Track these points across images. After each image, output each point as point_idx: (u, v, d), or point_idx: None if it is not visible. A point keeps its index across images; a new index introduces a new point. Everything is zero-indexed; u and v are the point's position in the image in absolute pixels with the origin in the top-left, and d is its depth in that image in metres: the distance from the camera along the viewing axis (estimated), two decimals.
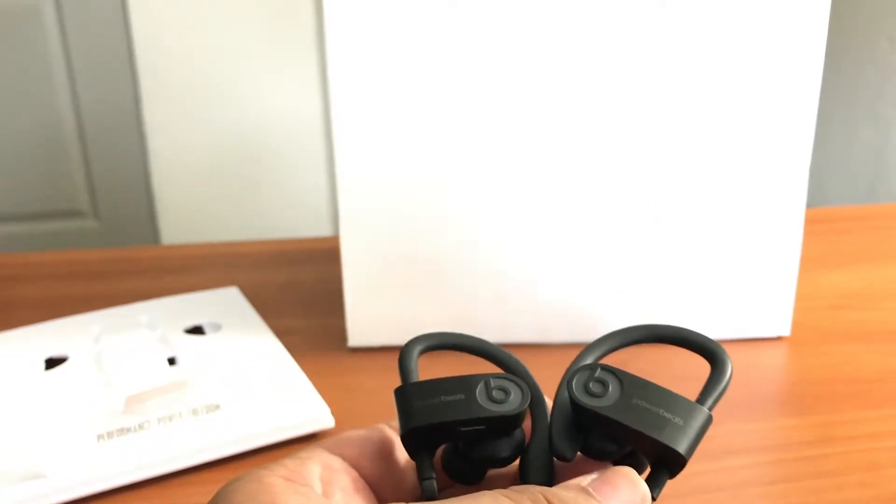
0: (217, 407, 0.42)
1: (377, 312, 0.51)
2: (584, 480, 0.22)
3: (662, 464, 0.23)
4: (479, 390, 0.24)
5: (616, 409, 0.23)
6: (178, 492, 0.39)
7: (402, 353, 0.26)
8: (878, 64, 1.73)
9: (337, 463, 0.24)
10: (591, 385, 0.23)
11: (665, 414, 0.22)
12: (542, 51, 0.46)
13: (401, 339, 0.51)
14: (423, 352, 0.27)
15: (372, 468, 0.25)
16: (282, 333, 0.51)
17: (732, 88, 0.47)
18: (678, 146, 0.48)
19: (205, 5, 1.67)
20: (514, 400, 0.24)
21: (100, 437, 0.40)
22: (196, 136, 1.74)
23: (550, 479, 0.24)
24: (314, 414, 0.43)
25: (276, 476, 0.22)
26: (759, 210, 0.49)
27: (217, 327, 0.52)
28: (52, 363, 0.48)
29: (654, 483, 0.23)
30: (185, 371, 0.46)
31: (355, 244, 0.49)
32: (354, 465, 0.25)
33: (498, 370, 0.27)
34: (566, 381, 0.24)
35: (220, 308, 0.55)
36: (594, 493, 0.21)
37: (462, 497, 0.20)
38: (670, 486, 0.38)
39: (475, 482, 0.26)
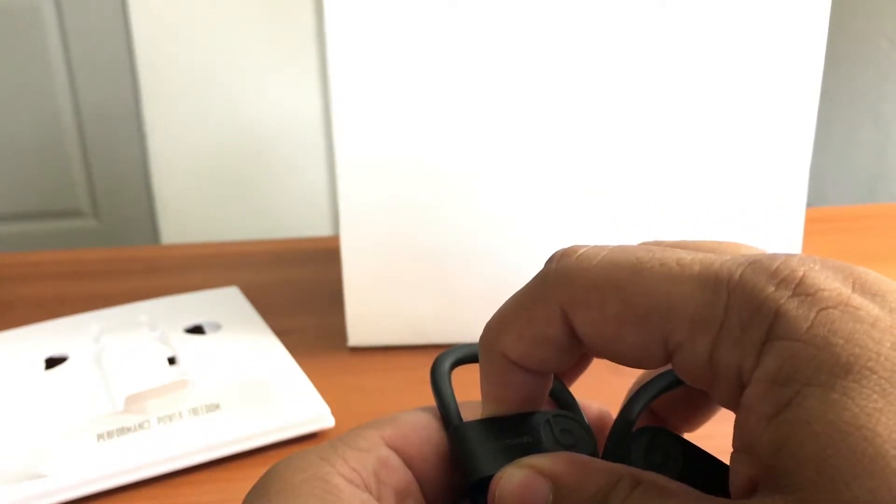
0: (217, 407, 0.42)
1: (377, 312, 0.51)
2: None
3: None
4: (545, 432, 0.22)
5: None
6: (178, 492, 0.39)
7: (435, 373, 0.24)
8: (878, 64, 1.73)
9: (394, 460, 0.23)
10: (650, 454, 0.22)
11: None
12: (543, 51, 0.46)
13: (401, 339, 0.51)
14: (455, 366, 0.25)
15: (427, 471, 0.23)
16: (282, 333, 0.51)
17: (732, 89, 0.47)
18: (678, 146, 0.48)
19: (205, 5, 1.67)
20: (582, 442, 0.22)
21: (100, 437, 0.40)
22: (196, 136, 1.74)
23: None
24: (314, 414, 0.43)
25: (339, 475, 0.21)
26: (760, 210, 0.49)
27: (217, 327, 0.52)
28: (52, 363, 0.48)
29: None
30: (185, 371, 0.46)
31: (355, 244, 0.49)
32: (409, 463, 0.23)
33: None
34: (624, 440, 0.22)
35: (220, 308, 0.55)
36: None
37: None
38: None
39: None
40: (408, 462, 0.23)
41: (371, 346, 0.52)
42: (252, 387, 0.44)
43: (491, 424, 0.22)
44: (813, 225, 0.57)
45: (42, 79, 1.67)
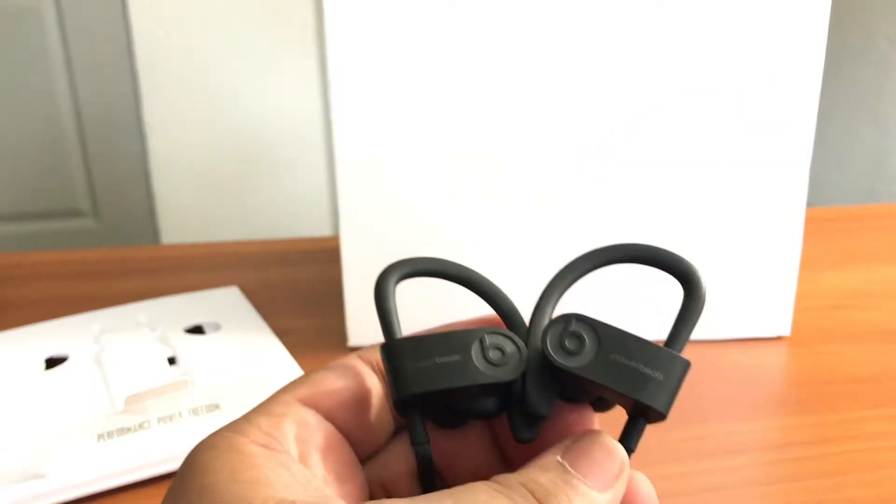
0: (217, 407, 0.42)
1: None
2: (559, 452, 0.21)
3: (641, 414, 0.22)
4: (475, 350, 0.22)
5: (594, 368, 0.21)
6: None
7: (379, 287, 0.24)
8: (877, 64, 1.73)
9: (312, 418, 0.22)
10: (566, 341, 0.22)
11: (645, 370, 0.21)
12: (543, 52, 0.46)
13: None
14: (399, 281, 0.24)
15: (349, 419, 0.23)
16: (282, 333, 0.51)
17: (732, 89, 0.47)
18: (678, 146, 0.48)
19: (205, 5, 1.67)
20: (512, 361, 0.22)
21: (100, 437, 0.40)
22: (196, 135, 1.74)
23: (536, 432, 0.23)
24: None
25: (253, 443, 0.21)
26: (760, 210, 0.49)
27: (217, 327, 0.52)
28: (52, 363, 0.48)
29: (632, 433, 0.22)
30: (185, 371, 0.46)
31: (355, 244, 0.49)
32: (329, 417, 0.23)
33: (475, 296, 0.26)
34: (541, 336, 0.22)
35: (220, 308, 0.55)
36: (572, 469, 0.21)
37: (454, 490, 0.20)
38: (670, 485, 0.38)
39: (456, 427, 0.25)
40: (329, 417, 0.23)
41: (371, 345, 0.52)
42: (252, 387, 0.44)
43: (423, 342, 0.23)
44: (813, 225, 0.57)
45: (42, 79, 1.67)
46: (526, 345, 0.23)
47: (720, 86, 0.47)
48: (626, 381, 0.21)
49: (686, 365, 0.22)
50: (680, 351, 0.23)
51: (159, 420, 0.41)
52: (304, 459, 0.22)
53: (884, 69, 1.72)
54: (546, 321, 0.23)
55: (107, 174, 1.75)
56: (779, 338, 0.52)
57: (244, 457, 0.20)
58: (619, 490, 0.21)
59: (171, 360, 0.48)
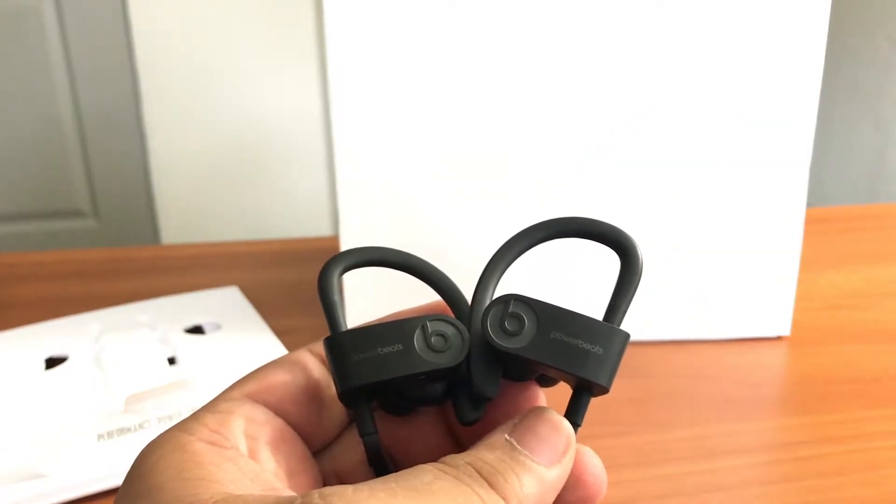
0: None
1: (377, 312, 0.51)
2: (506, 430, 0.21)
3: (585, 388, 0.22)
4: (418, 338, 0.22)
5: (534, 347, 0.22)
6: None
7: (322, 280, 0.24)
8: (878, 64, 1.73)
9: (260, 414, 0.23)
10: (506, 323, 0.22)
11: (584, 345, 0.22)
12: (542, 52, 0.46)
13: None
14: (343, 272, 0.25)
15: (298, 413, 0.23)
16: (282, 333, 0.51)
17: (732, 89, 0.47)
18: (678, 146, 0.48)
19: (205, 5, 1.67)
20: (454, 347, 0.22)
21: (100, 437, 0.40)
22: (196, 136, 1.74)
23: (481, 414, 0.23)
24: None
25: (199, 441, 0.21)
26: (760, 210, 0.49)
27: (217, 327, 0.52)
28: (52, 363, 0.48)
29: (577, 407, 0.22)
30: (185, 371, 0.46)
31: (355, 244, 0.49)
32: (279, 412, 0.23)
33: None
34: (481, 319, 0.22)
35: (220, 308, 0.55)
36: (518, 446, 0.21)
37: (401, 473, 0.20)
38: (670, 485, 0.38)
39: (406, 414, 0.25)
40: (278, 411, 0.23)
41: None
42: None
43: (365, 333, 0.23)
44: (813, 225, 0.57)
45: (42, 79, 1.67)
46: (470, 328, 0.23)
47: (720, 86, 0.47)
48: (566, 359, 0.21)
49: (625, 337, 0.22)
50: (619, 323, 0.23)
51: (159, 420, 0.41)
52: (253, 454, 0.22)
53: (884, 69, 1.72)
54: (487, 303, 0.23)
55: (107, 174, 1.75)
56: (779, 338, 0.52)
57: (190, 455, 0.20)
58: (566, 465, 0.21)
59: (171, 360, 0.48)
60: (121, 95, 1.71)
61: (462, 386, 0.23)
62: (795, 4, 0.45)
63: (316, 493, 0.18)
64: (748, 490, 0.38)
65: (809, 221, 0.51)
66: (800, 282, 0.51)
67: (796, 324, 0.52)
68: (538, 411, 0.22)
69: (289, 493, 0.20)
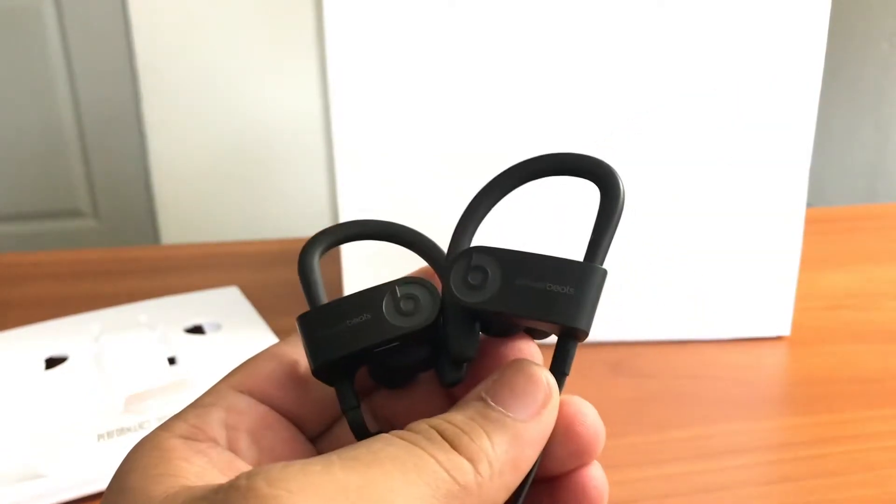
0: None
1: None
2: (483, 387, 0.20)
3: (567, 335, 0.21)
4: (386, 304, 0.21)
5: (501, 299, 0.20)
6: None
7: (302, 261, 0.23)
8: (878, 64, 1.73)
9: (243, 402, 0.22)
10: (469, 277, 0.21)
11: (553, 287, 0.20)
12: (542, 52, 0.46)
13: None
14: (325, 251, 0.24)
15: (285, 398, 0.23)
16: (282, 333, 0.51)
17: (732, 89, 0.47)
18: (678, 146, 0.48)
19: (205, 5, 1.67)
20: (425, 308, 0.21)
21: (100, 436, 0.40)
22: (196, 136, 1.74)
23: (462, 375, 0.22)
24: None
25: (175, 437, 0.21)
26: (760, 210, 0.49)
27: (217, 327, 0.52)
28: (52, 363, 0.48)
29: (563, 356, 0.21)
30: (185, 371, 0.46)
31: (355, 244, 0.49)
32: (265, 399, 0.23)
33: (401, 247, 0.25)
34: (444, 275, 0.21)
35: (220, 308, 0.55)
36: (492, 402, 0.20)
37: (356, 444, 0.19)
38: (670, 485, 0.38)
39: (406, 385, 0.24)
40: (264, 398, 0.23)
41: None
42: None
43: (336, 307, 0.22)
44: (813, 225, 0.57)
45: (42, 79, 1.67)
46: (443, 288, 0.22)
47: (720, 86, 0.47)
48: (535, 305, 0.20)
49: (601, 273, 0.21)
50: (602, 261, 0.21)
51: (159, 420, 0.41)
52: (232, 444, 0.22)
53: (884, 69, 1.72)
54: None
55: (107, 174, 1.75)
56: (779, 338, 0.52)
57: (162, 452, 0.20)
58: (547, 418, 0.20)
59: (171, 360, 0.48)
60: (121, 95, 1.71)
61: (443, 347, 0.22)
62: (795, 5, 0.45)
63: (244, 475, 0.17)
64: (748, 490, 0.38)
65: (809, 221, 0.51)
66: (800, 282, 0.51)
67: (796, 324, 0.52)
68: (515, 364, 0.20)
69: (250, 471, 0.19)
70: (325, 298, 0.23)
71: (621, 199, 0.22)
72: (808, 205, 0.50)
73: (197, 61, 1.70)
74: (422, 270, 0.25)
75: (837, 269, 0.62)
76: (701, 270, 0.50)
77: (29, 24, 1.64)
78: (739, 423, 0.43)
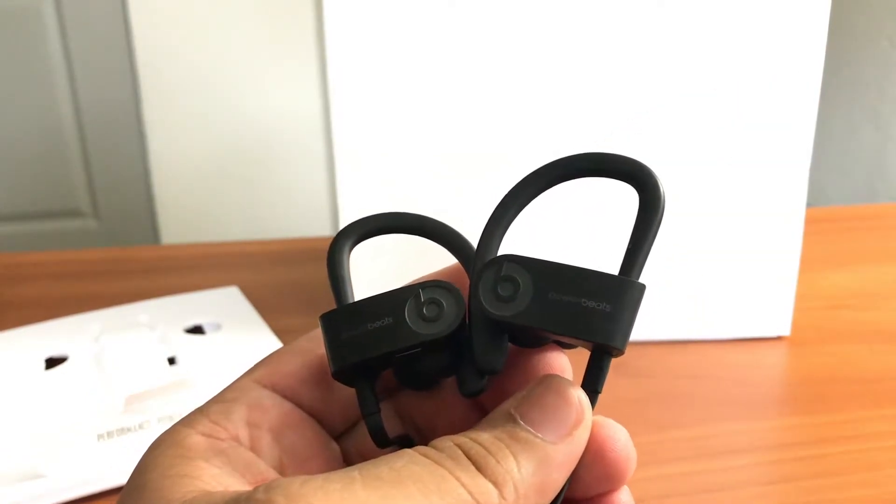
0: None
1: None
2: (513, 403, 0.19)
3: (601, 350, 0.20)
4: (409, 309, 0.21)
5: (533, 313, 0.19)
6: None
7: (331, 255, 0.22)
8: (878, 64, 1.73)
9: (267, 398, 0.22)
10: (499, 288, 0.20)
11: (588, 304, 0.19)
12: (542, 52, 0.46)
13: None
14: (354, 245, 0.23)
15: (310, 395, 0.22)
16: (282, 333, 0.51)
17: (732, 89, 0.47)
18: (678, 146, 0.48)
19: (205, 5, 1.67)
20: (448, 315, 0.20)
21: (100, 437, 0.40)
22: (196, 136, 1.74)
23: (483, 386, 0.21)
24: None
25: (197, 434, 0.20)
26: (760, 210, 0.49)
27: (217, 327, 0.52)
28: (52, 363, 0.48)
29: (596, 372, 0.20)
30: (185, 371, 0.46)
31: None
32: (289, 396, 0.22)
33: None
34: (473, 284, 0.20)
35: (220, 308, 0.55)
36: (521, 421, 0.19)
37: (377, 459, 0.18)
38: (670, 485, 0.38)
39: (431, 388, 0.23)
40: (290, 396, 0.22)
41: None
42: None
43: (359, 308, 0.21)
44: (813, 225, 0.57)
45: (42, 79, 1.67)
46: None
47: (720, 86, 0.47)
48: (570, 322, 0.19)
49: (638, 288, 0.19)
50: (638, 274, 0.20)
51: (159, 420, 0.41)
52: (254, 442, 0.21)
53: (884, 69, 1.72)
54: None
55: (107, 174, 1.75)
56: (779, 338, 0.52)
57: (184, 450, 0.20)
58: (578, 441, 0.19)
59: (171, 360, 0.48)
60: (121, 95, 1.71)
61: (465, 356, 0.21)
62: (795, 4, 0.45)
63: (262, 488, 0.17)
64: (748, 490, 0.38)
65: (809, 221, 0.51)
66: (800, 282, 0.51)
67: (796, 324, 0.52)
68: (546, 380, 0.19)
69: (277, 478, 0.19)
70: (352, 296, 0.22)
71: (661, 207, 0.21)
72: (808, 205, 0.50)
73: (197, 61, 1.70)
74: (450, 269, 0.24)
75: (837, 269, 0.62)
76: (701, 270, 0.50)
77: (29, 24, 1.64)
78: (739, 423, 0.43)
